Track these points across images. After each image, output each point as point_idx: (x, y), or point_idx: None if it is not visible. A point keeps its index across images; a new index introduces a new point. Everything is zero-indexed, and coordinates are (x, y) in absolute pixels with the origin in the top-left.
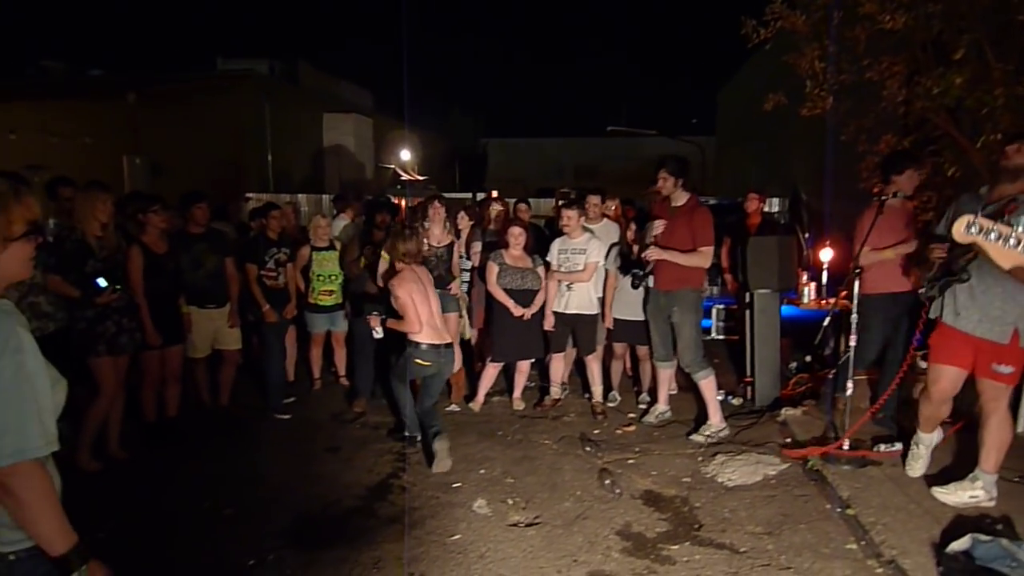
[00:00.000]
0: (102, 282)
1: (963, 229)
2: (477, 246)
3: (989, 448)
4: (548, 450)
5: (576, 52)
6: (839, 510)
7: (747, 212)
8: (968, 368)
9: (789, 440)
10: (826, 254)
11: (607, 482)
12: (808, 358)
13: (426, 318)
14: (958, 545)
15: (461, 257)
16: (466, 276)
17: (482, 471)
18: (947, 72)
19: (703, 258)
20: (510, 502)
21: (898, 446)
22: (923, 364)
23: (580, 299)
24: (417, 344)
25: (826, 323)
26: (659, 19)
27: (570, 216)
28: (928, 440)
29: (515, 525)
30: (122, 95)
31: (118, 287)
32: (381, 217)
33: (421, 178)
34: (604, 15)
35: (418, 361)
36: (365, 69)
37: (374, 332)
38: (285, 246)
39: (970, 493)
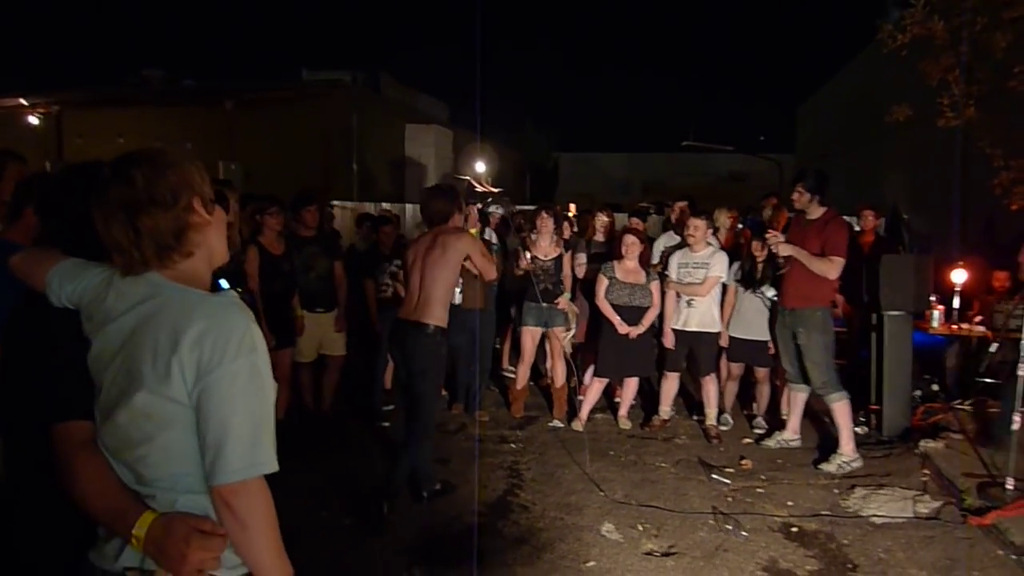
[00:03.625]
0: (224, 284)
1: None
2: (582, 257)
3: None
4: (667, 473)
5: (647, 68)
6: (1014, 557)
7: (861, 229)
8: None
9: (927, 473)
10: (959, 276)
11: (729, 527)
12: (935, 387)
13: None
14: None
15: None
16: None
17: (602, 493)
18: None
19: (833, 266)
20: (640, 528)
21: None
22: None
23: (702, 316)
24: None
25: (993, 349)
26: (732, 34)
27: (697, 226)
28: None
29: (650, 554)
30: (220, 103)
31: (239, 289)
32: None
33: (495, 190)
34: (676, 32)
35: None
36: (441, 81)
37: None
38: (397, 258)
39: None
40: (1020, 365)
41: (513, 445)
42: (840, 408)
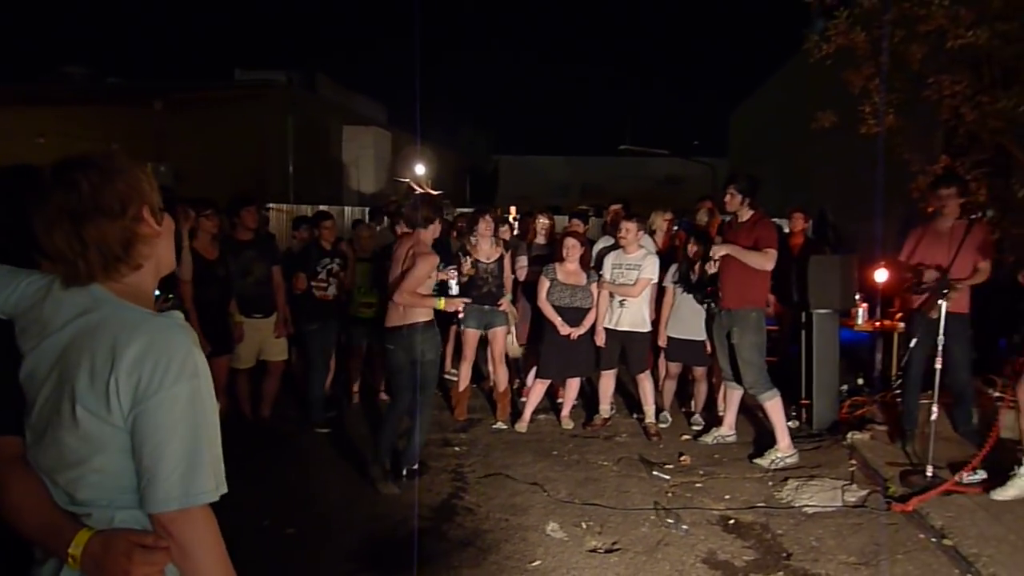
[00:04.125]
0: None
1: None
2: (523, 260)
3: None
4: (609, 471)
5: (586, 73)
6: (935, 540)
7: (791, 231)
8: None
9: (854, 463)
10: (881, 275)
11: (670, 521)
12: (860, 381)
13: None
14: None
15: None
16: None
17: (546, 493)
18: None
19: (767, 258)
20: (584, 526)
21: (980, 474)
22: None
23: (632, 316)
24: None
25: (912, 344)
26: (669, 40)
27: (629, 228)
28: None
29: (594, 551)
30: (149, 102)
31: (171, 296)
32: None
33: (435, 192)
34: (615, 38)
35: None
36: (379, 83)
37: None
38: (338, 257)
39: None
40: (936, 359)
41: (457, 448)
42: (772, 406)
